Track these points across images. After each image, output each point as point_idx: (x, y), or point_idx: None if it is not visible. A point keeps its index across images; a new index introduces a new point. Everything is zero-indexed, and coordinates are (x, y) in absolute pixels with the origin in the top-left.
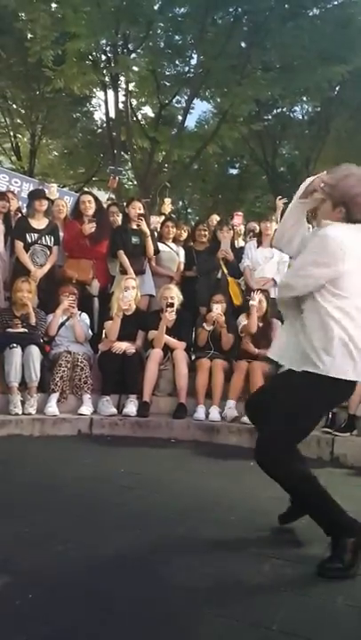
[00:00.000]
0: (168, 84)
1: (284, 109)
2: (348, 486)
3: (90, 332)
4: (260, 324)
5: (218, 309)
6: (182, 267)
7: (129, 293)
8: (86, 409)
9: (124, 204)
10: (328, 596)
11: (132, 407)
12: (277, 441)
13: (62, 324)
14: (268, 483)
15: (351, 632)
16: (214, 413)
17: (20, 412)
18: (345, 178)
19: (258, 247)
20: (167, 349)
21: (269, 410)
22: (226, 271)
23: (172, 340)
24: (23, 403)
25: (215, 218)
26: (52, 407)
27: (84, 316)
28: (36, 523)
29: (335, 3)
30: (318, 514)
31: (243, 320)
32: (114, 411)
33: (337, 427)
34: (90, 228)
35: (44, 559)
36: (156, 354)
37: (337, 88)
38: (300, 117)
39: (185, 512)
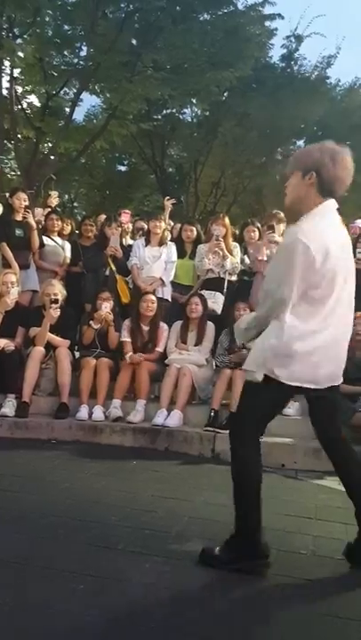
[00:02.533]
0: (56, 74)
1: (174, 110)
2: (228, 482)
3: None
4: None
5: (107, 308)
6: (68, 262)
7: (15, 290)
8: None
9: (7, 194)
10: (209, 591)
11: (10, 407)
12: None
13: None
14: (149, 481)
15: (233, 625)
16: (98, 413)
17: None
18: (307, 150)
19: (146, 246)
20: (49, 347)
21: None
22: (114, 268)
23: (55, 338)
24: None
25: (103, 217)
26: None
27: None
28: None
29: (225, 10)
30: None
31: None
32: None
33: (219, 424)
34: None
35: None
36: (37, 352)
37: (225, 94)
38: (190, 120)
39: (65, 513)
